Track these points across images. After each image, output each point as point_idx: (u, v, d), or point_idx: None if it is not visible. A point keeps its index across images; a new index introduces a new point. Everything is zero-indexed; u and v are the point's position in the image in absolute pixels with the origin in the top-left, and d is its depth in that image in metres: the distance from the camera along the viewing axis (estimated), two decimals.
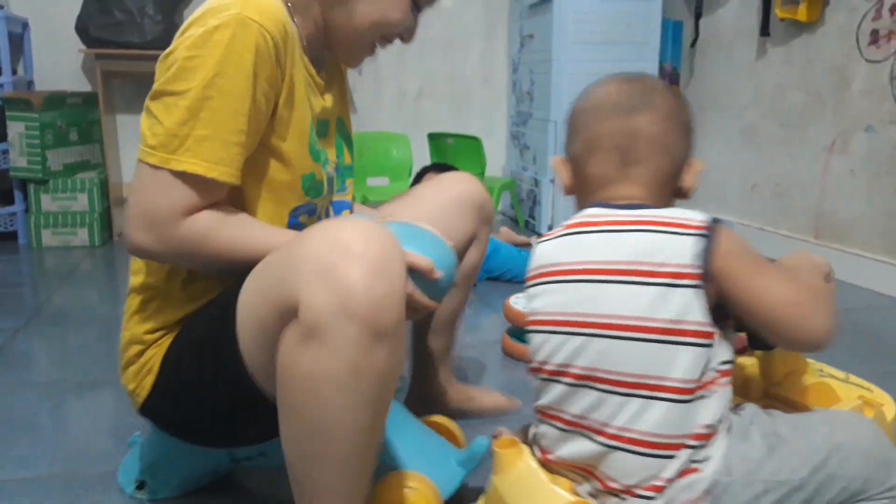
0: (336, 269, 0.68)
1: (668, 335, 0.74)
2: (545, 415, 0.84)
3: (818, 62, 2.55)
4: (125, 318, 0.98)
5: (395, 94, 3.78)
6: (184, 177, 0.81)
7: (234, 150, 0.83)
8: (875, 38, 2.29)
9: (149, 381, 0.94)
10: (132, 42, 3.03)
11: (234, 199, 0.90)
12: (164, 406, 0.95)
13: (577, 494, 0.80)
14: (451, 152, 3.19)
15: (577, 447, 0.80)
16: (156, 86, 0.83)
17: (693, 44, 3.26)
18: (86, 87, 3.36)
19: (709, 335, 0.74)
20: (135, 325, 0.95)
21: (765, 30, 2.77)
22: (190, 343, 0.91)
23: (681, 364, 0.73)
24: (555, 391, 0.81)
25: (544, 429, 0.84)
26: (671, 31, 3.30)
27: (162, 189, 0.81)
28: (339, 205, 1.11)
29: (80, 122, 3.12)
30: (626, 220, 0.79)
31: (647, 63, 3.17)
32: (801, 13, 2.51)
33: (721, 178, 3.11)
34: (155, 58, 0.86)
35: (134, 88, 3.39)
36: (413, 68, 3.80)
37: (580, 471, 0.81)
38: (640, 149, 0.83)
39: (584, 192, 0.89)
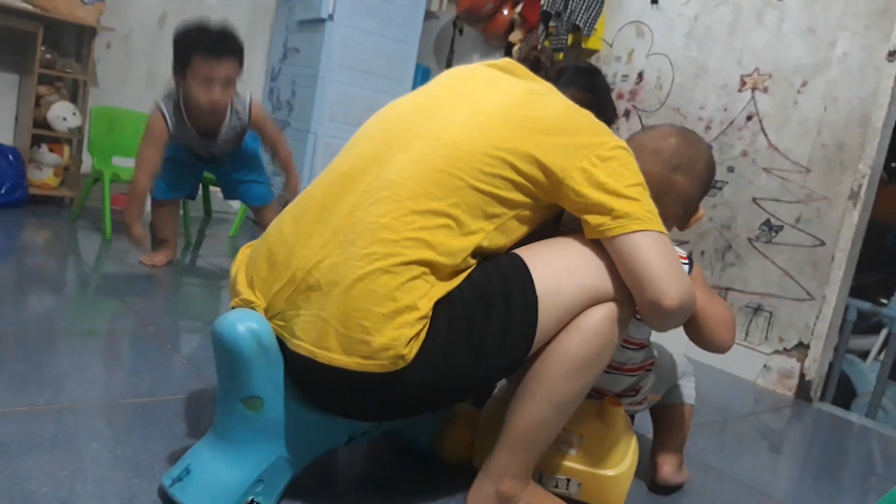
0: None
1: None
2: None
3: None
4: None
5: (144, 76, 3.63)
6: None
7: None
8: None
9: (416, 347, 0.93)
10: None
11: None
12: (428, 371, 0.95)
13: None
14: None
15: None
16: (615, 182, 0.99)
17: None
18: None
19: None
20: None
21: None
22: (470, 306, 0.97)
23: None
24: None
25: None
26: (420, 75, 3.73)
27: (670, 250, 0.99)
28: None
29: None
30: None
31: None
32: None
33: None
34: None
35: None
36: (167, 53, 3.68)
37: None
38: (670, 198, 1.13)
39: None
